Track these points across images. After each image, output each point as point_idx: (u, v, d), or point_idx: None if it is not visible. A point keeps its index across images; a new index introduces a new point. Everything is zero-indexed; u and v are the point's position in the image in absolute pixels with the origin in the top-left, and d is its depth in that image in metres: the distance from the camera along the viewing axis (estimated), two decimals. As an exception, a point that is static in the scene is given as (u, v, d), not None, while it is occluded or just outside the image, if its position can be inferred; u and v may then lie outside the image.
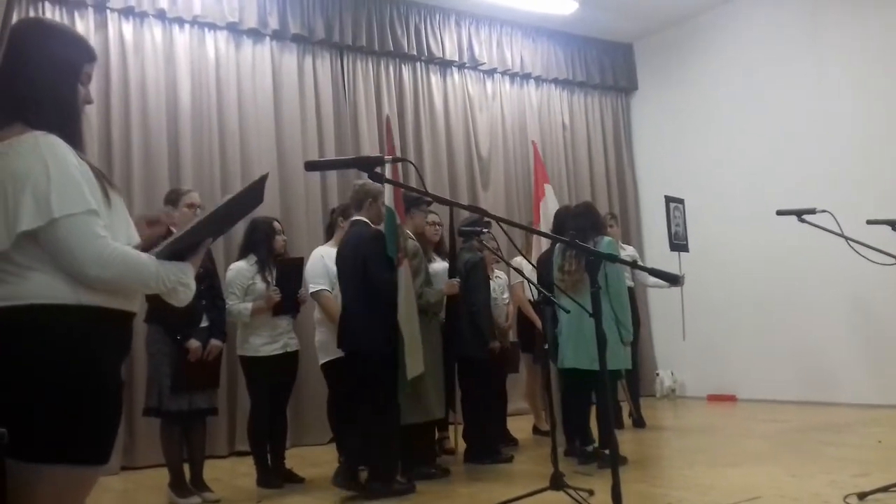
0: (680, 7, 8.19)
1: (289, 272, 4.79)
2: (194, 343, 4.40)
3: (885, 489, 3.57)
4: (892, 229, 4.51)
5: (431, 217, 5.19)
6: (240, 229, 5.18)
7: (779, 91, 7.59)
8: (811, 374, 7.28)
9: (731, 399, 7.93)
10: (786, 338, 7.49)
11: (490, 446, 5.22)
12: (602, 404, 4.84)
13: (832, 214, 3.82)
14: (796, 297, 7.39)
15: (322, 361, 5.15)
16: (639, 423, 6.51)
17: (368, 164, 2.25)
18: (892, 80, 6.68)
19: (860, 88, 6.92)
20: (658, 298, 8.51)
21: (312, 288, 5.04)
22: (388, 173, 5.41)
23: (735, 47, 8.05)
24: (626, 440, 5.95)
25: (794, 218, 4.00)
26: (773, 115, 7.64)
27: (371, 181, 4.77)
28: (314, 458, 5.76)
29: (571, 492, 3.70)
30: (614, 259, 2.59)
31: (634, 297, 6.57)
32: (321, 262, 5.10)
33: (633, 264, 2.16)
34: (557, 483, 3.75)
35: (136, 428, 5.60)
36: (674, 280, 2.06)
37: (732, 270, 7.97)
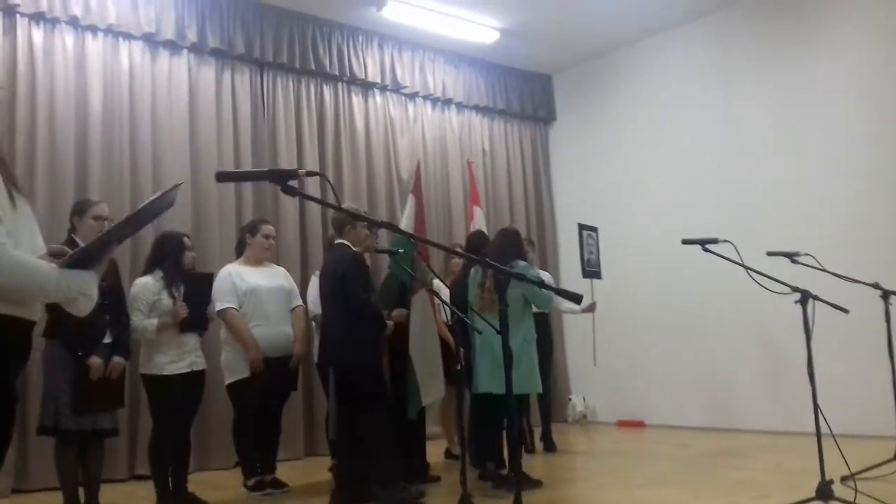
0: (597, 42, 8.44)
1: (197, 288, 4.67)
2: (96, 360, 4.23)
3: (780, 510, 3.71)
4: (790, 261, 4.75)
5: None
6: (148, 243, 5.05)
7: (690, 126, 7.89)
8: (716, 401, 7.52)
9: (640, 425, 8.11)
10: (693, 366, 7.73)
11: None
12: (510, 424, 4.90)
13: (733, 244, 3.96)
14: (703, 326, 7.65)
15: (227, 382, 5.04)
16: (550, 447, 6.59)
17: (282, 177, 2.23)
18: (800, 118, 7.04)
19: (768, 126, 7.26)
20: (573, 324, 8.67)
21: (219, 306, 4.95)
22: (409, 208, 5.61)
23: (649, 83, 8.34)
24: (538, 464, 6.01)
25: (701, 248, 4.15)
26: (685, 149, 7.93)
27: (349, 206, 5.00)
28: (219, 482, 5.60)
29: (480, 513, 3.69)
30: (521, 278, 2.62)
31: (547, 322, 6.68)
32: (229, 279, 5.02)
33: (541, 284, 2.18)
34: (466, 504, 3.74)
35: (30, 448, 5.30)
36: (576, 299, 2.10)
37: (644, 299, 8.19)
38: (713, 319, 7.54)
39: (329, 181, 2.21)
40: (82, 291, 1.80)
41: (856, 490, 3.78)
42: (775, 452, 5.83)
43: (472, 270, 5.17)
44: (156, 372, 4.59)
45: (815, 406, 3.84)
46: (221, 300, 4.98)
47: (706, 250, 4.12)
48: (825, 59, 6.87)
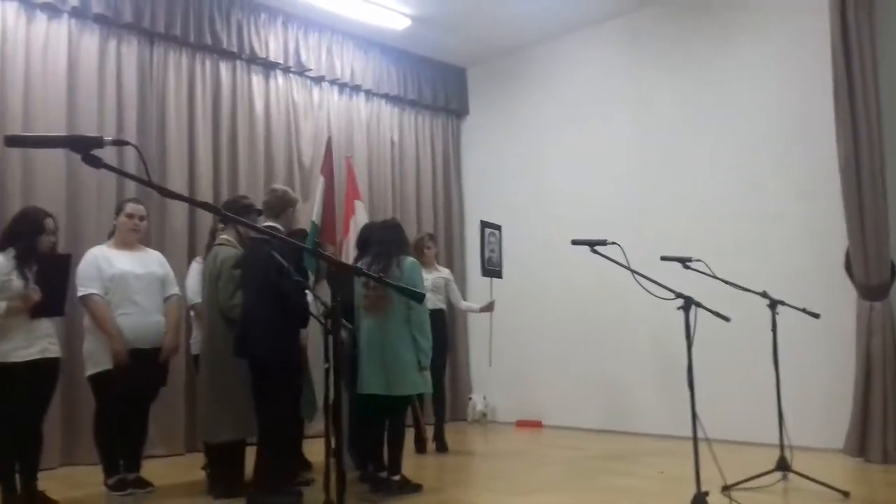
0: (512, 37, 8.29)
1: (52, 270, 4.28)
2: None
3: (651, 521, 3.60)
4: (683, 266, 4.69)
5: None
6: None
7: (601, 128, 7.82)
8: (612, 404, 7.49)
9: (538, 425, 8.02)
10: (591, 368, 7.68)
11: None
12: (392, 426, 4.72)
13: (621, 247, 3.84)
14: (603, 329, 7.59)
15: (88, 373, 4.66)
16: (441, 447, 6.41)
17: (84, 145, 1.94)
18: (708, 121, 7.00)
19: (678, 128, 7.23)
20: (476, 323, 8.52)
21: (81, 291, 4.57)
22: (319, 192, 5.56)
23: (563, 81, 8.24)
24: (427, 465, 5.85)
25: (590, 249, 4.02)
26: (594, 152, 7.85)
27: (288, 189, 4.71)
28: (80, 480, 5.21)
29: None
30: (360, 273, 2.37)
31: (444, 320, 6.49)
32: (94, 262, 4.63)
33: (378, 279, 1.95)
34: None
35: None
36: (418, 298, 1.89)
37: (545, 299, 8.11)
38: (612, 322, 7.49)
39: (140, 152, 1.93)
40: None
41: (731, 500, 3.70)
42: (663, 458, 5.78)
43: (361, 265, 4.95)
44: (0, 359, 4.19)
45: (693, 415, 3.75)
46: (85, 285, 4.60)
47: (595, 252, 4.01)
48: (735, 62, 6.86)
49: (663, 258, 4.65)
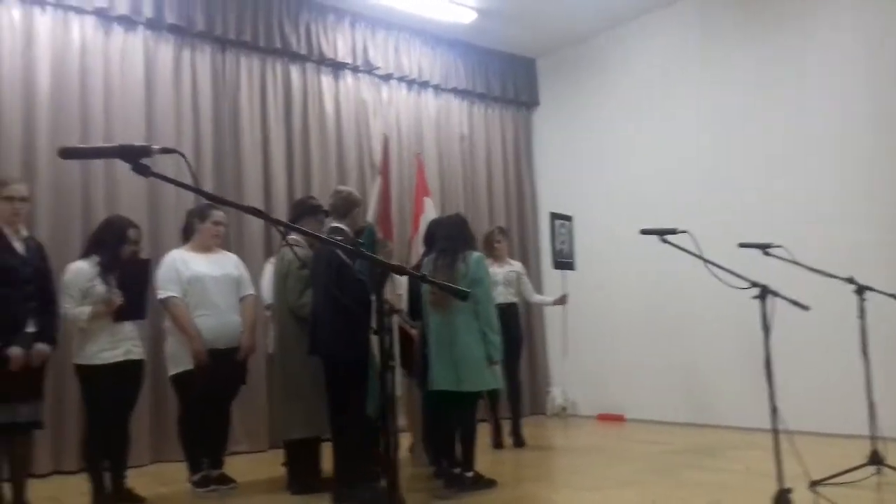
0: (580, 25, 8.12)
1: (133, 274, 4.44)
2: (15, 350, 3.98)
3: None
4: (763, 253, 4.50)
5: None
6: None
7: (674, 113, 7.58)
8: (697, 396, 7.26)
9: (620, 419, 7.86)
10: (674, 359, 7.46)
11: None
12: (463, 422, 4.70)
13: (692, 235, 3.72)
14: (685, 320, 7.36)
15: (171, 374, 4.81)
16: (519, 442, 6.36)
17: (133, 155, 1.99)
18: (784, 104, 6.71)
19: (752, 113, 6.94)
20: (553, 317, 8.41)
21: (161, 294, 4.72)
22: (376, 189, 5.71)
23: (632, 69, 8.03)
24: (505, 460, 5.81)
25: (659, 239, 3.90)
26: (668, 137, 7.63)
27: (353, 190, 4.82)
28: (168, 477, 5.40)
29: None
30: (400, 271, 2.32)
31: (517, 314, 6.44)
32: (173, 265, 4.78)
33: (423, 277, 1.92)
34: None
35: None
36: (463, 296, 1.86)
37: (623, 290, 7.93)
38: (693, 311, 7.25)
39: (186, 159, 1.98)
40: None
41: (817, 496, 3.53)
42: (749, 451, 5.57)
43: (425, 262, 4.97)
44: (86, 362, 4.39)
45: (773, 408, 3.60)
46: (164, 288, 4.75)
47: (664, 241, 3.89)
48: (809, 45, 6.54)
49: (742, 245, 4.49)
